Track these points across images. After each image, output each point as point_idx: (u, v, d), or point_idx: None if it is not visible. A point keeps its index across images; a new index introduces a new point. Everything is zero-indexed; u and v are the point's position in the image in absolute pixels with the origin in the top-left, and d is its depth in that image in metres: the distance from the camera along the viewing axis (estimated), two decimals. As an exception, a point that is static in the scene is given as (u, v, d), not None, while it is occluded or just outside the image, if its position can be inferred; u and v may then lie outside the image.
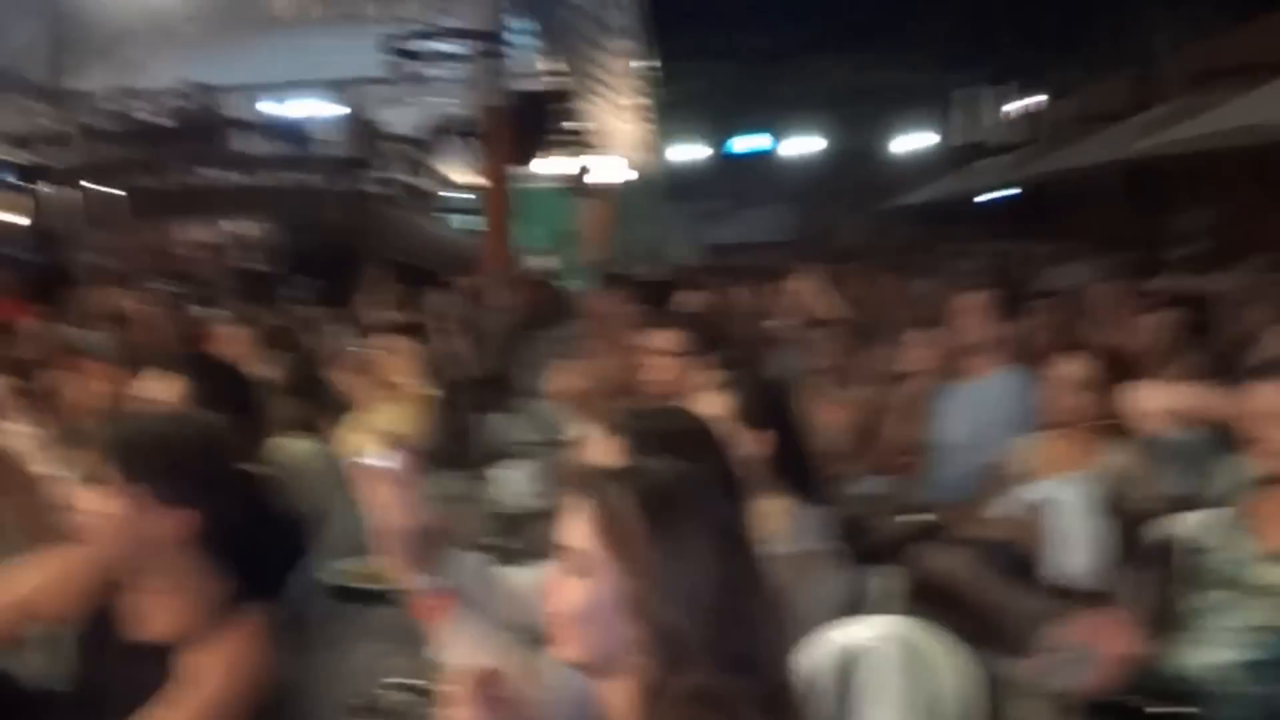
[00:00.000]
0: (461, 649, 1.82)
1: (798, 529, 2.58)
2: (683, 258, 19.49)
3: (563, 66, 13.47)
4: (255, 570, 1.98)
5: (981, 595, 3.37)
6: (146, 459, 1.96)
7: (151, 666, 1.95)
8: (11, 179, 13.29)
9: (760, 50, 24.79)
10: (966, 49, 22.87)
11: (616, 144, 17.90)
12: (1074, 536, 3.16)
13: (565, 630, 1.44)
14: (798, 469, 2.73)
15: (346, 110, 13.27)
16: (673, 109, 25.86)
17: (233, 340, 5.35)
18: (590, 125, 16.08)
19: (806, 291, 6.22)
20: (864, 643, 2.16)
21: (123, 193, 12.55)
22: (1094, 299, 5.95)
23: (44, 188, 12.92)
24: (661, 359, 3.80)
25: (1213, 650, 2.43)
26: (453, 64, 10.92)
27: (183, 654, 1.95)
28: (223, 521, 1.99)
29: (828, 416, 5.11)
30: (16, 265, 11.23)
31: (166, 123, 13.29)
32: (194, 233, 11.61)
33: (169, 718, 1.88)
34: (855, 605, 2.68)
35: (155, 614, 2.02)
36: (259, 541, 2.02)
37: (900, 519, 3.78)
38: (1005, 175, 17.17)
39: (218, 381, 2.77)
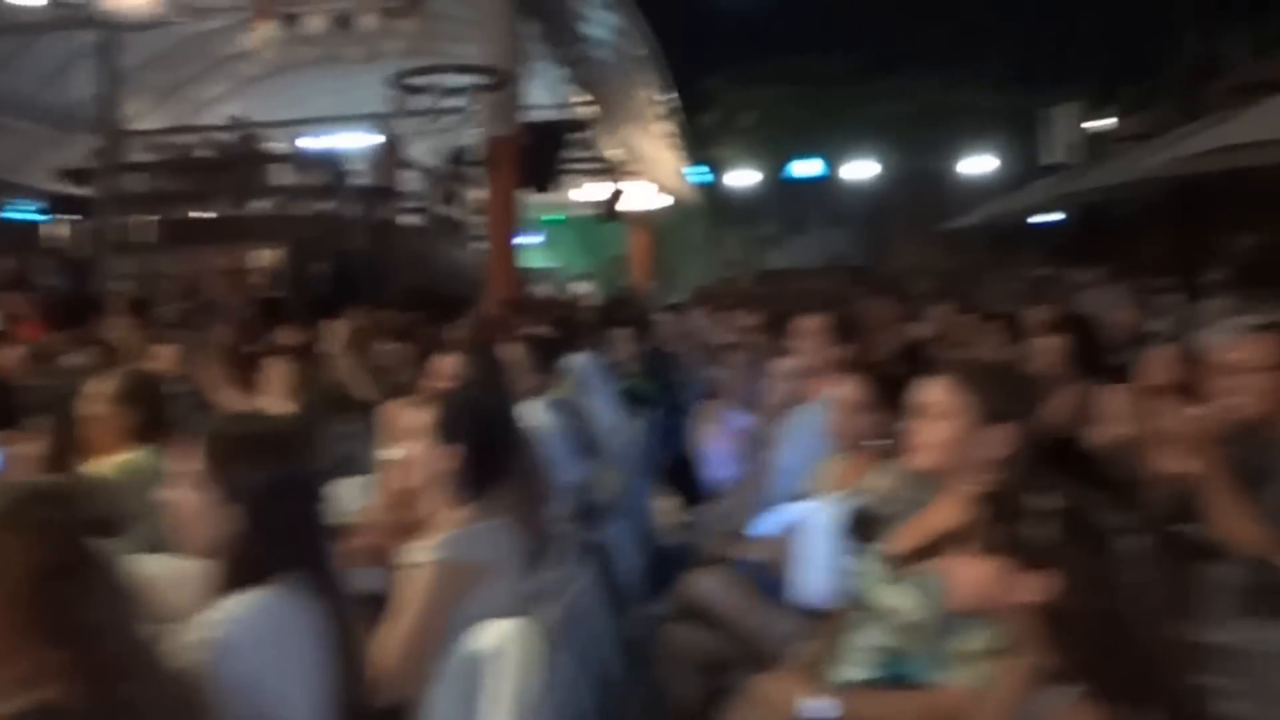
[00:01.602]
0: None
1: (461, 540, 2.60)
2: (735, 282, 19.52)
3: (585, 97, 13.66)
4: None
5: (738, 617, 3.37)
6: None
7: None
8: (53, 209, 14.01)
9: (817, 75, 24.65)
10: (1027, 71, 22.51)
11: (652, 171, 18.06)
12: (819, 558, 3.12)
13: None
14: (487, 479, 2.74)
15: (377, 143, 13.63)
16: (729, 134, 25.91)
17: (163, 358, 5.67)
18: (619, 154, 16.27)
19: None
20: (487, 647, 2.28)
21: (158, 222, 13.11)
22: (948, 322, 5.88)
23: (83, 218, 13.56)
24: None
25: (847, 669, 2.42)
26: (463, 97, 11.12)
27: None
28: None
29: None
30: (47, 292, 11.83)
31: (210, 156, 13.88)
32: (223, 261, 12.05)
33: None
34: (517, 609, 2.64)
35: None
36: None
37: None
38: (1058, 196, 16.80)
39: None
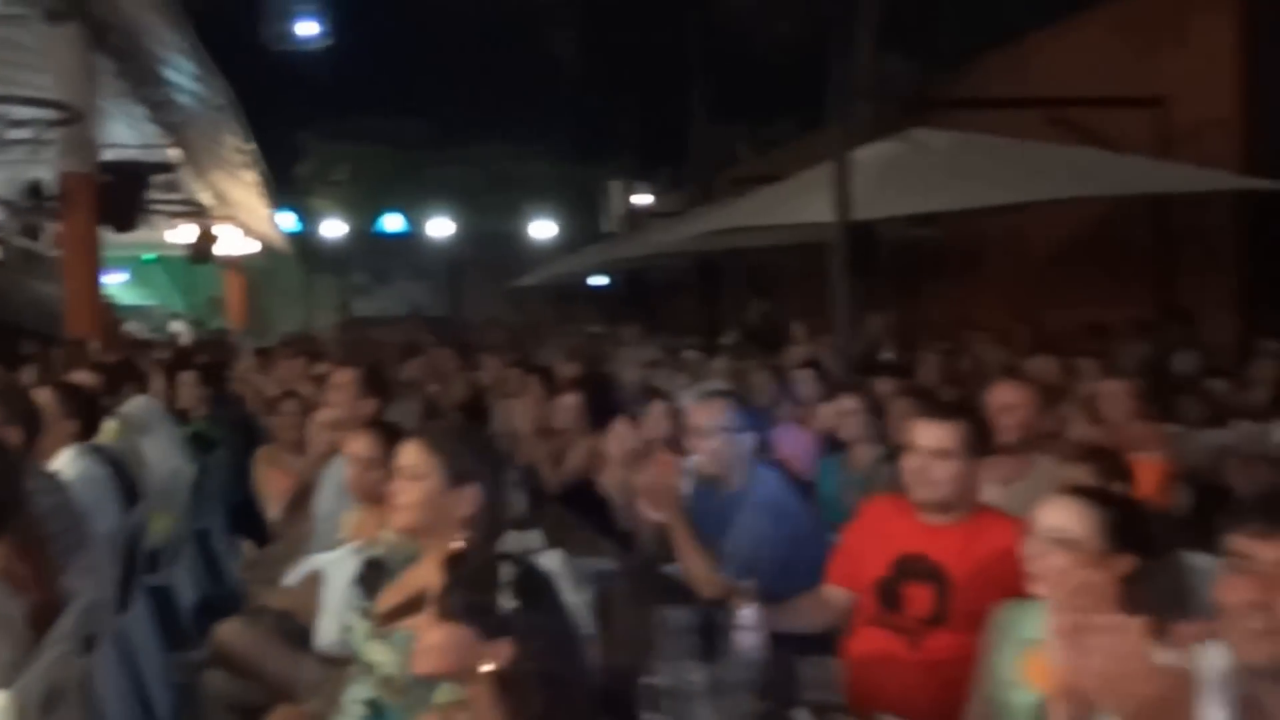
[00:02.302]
0: None
1: None
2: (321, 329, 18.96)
3: (166, 140, 12.76)
4: None
5: (265, 665, 3.23)
6: None
7: None
8: None
9: (400, 136, 24.76)
10: (582, 146, 23.86)
11: (242, 217, 17.19)
12: (333, 608, 3.05)
13: None
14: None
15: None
16: (320, 186, 25.31)
17: None
18: (207, 197, 15.34)
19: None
20: None
21: None
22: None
23: None
24: None
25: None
26: (34, 129, 9.98)
27: None
28: None
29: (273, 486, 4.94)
30: None
31: None
32: None
33: None
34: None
35: None
36: None
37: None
38: (606, 261, 17.79)
39: None
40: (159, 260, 21.30)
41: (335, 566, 3.11)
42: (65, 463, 3.90)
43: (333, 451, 4.19)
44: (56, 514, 3.14)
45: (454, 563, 1.99)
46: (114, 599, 3.73)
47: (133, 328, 16.14)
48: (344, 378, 4.10)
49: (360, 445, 3.32)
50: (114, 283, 17.46)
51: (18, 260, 13.38)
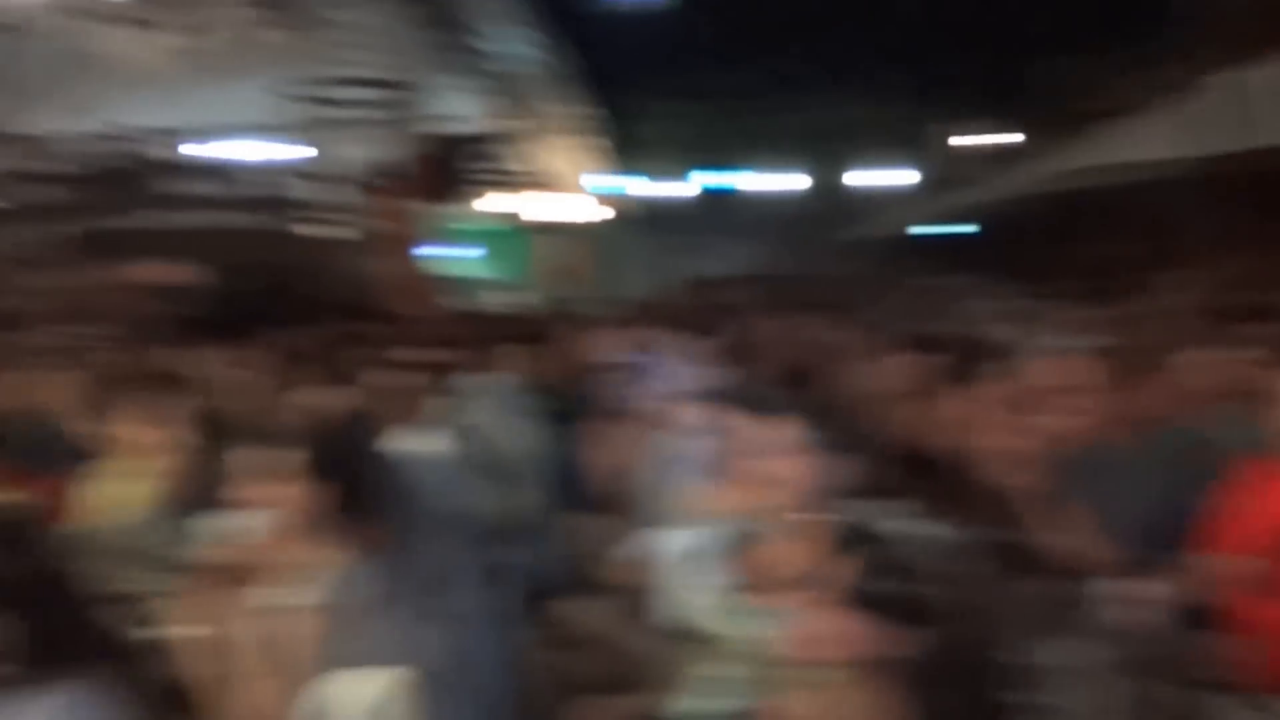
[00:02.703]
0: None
1: (336, 580, 2.60)
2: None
3: (497, 110, 13.70)
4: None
5: (611, 641, 3.45)
6: None
7: None
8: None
9: (731, 87, 25.03)
10: (930, 87, 23.14)
11: (566, 182, 18.13)
12: (684, 584, 3.23)
13: None
14: (364, 515, 2.73)
15: (277, 155, 13.50)
16: (648, 145, 26.14)
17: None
18: (532, 165, 16.32)
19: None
20: (361, 698, 2.32)
21: (42, 235, 12.85)
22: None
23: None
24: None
25: (699, 699, 2.48)
26: (369, 108, 11.15)
27: None
28: None
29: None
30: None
31: (93, 167, 13.60)
32: (116, 275, 11.82)
33: None
34: (395, 654, 2.65)
35: None
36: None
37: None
38: (958, 209, 17.31)
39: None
40: (493, 232, 22.73)
41: (682, 541, 3.30)
42: (414, 439, 4.20)
43: (668, 422, 4.45)
44: (407, 490, 3.38)
45: (844, 543, 2.00)
46: (459, 576, 3.98)
47: (469, 301, 17.46)
48: (703, 345, 4.24)
49: (704, 415, 3.32)
50: (446, 256, 18.82)
51: (344, 238, 14.88)
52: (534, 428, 5.84)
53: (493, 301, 19.77)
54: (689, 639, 3.01)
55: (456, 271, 22.35)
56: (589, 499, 5.51)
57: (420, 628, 2.79)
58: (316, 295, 12.47)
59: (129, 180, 13.51)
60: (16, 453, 3.85)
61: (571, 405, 6.55)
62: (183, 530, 3.83)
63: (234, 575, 2.71)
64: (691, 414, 3.41)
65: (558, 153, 16.55)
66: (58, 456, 4.50)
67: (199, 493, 4.30)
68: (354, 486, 2.74)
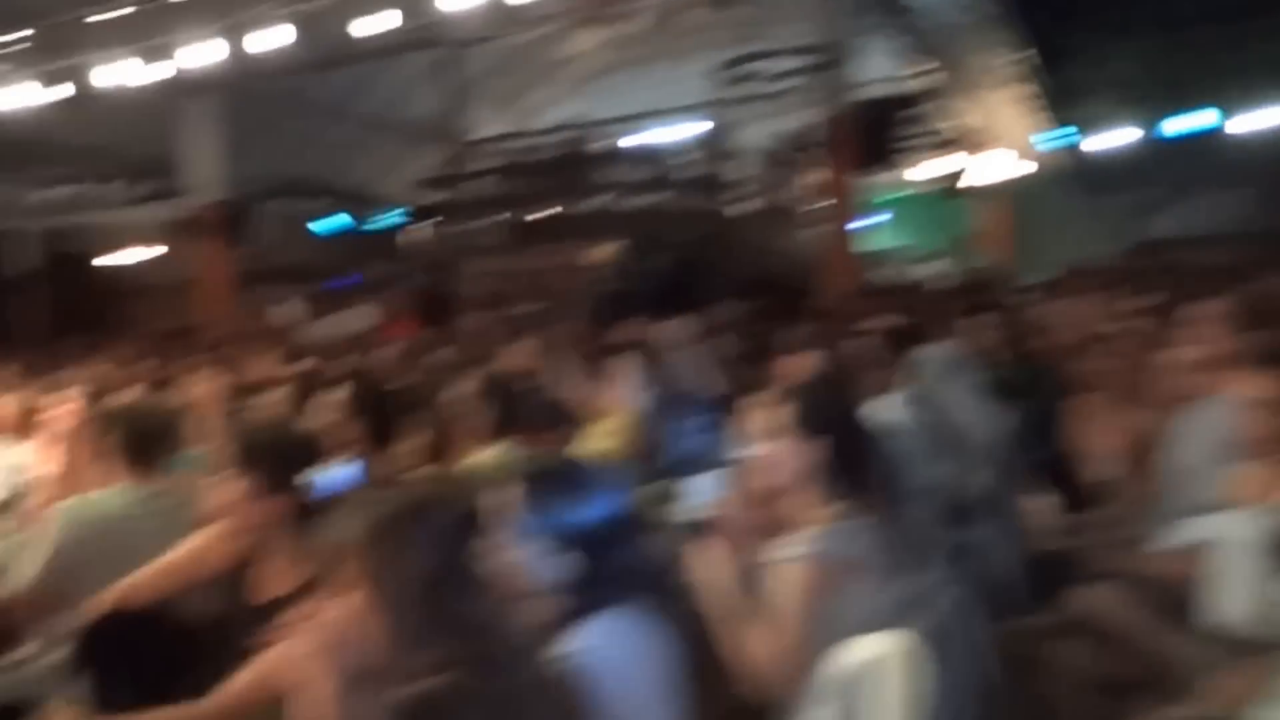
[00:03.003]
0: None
1: (832, 537, 2.55)
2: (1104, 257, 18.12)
3: (923, 67, 13.17)
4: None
5: (1138, 638, 3.07)
6: (255, 455, 2.58)
7: (266, 621, 2.43)
8: (413, 217, 15.20)
9: (1199, 12, 22.08)
10: None
11: (1003, 139, 17.13)
12: (1238, 579, 2.77)
13: None
14: (854, 475, 2.67)
15: (704, 134, 13.76)
16: (1096, 90, 23.81)
17: (518, 354, 6.03)
18: (964, 123, 15.54)
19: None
20: (869, 657, 2.24)
21: (503, 224, 13.93)
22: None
23: (439, 224, 14.59)
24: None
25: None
26: (795, 79, 11.04)
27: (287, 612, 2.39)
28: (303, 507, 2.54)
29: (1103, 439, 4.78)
30: (411, 293, 12.82)
31: (547, 158, 14.59)
32: (565, 258, 12.59)
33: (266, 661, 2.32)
34: (892, 617, 2.57)
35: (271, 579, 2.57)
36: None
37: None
38: None
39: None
40: (906, 199, 22.01)
41: (1231, 530, 2.84)
42: (888, 408, 4.15)
43: (1191, 397, 3.89)
44: (888, 456, 3.29)
45: None
46: (933, 549, 3.86)
47: (885, 272, 17.04)
48: (1211, 310, 3.76)
49: (1258, 387, 2.99)
50: (871, 226, 18.40)
51: (770, 213, 14.96)
52: (987, 402, 5.57)
53: (924, 272, 19.25)
54: (1245, 641, 2.67)
55: (881, 243, 21.96)
56: (1068, 481, 5.11)
57: (914, 594, 2.71)
58: (749, 271, 12.67)
59: (573, 170, 14.34)
60: (523, 415, 4.06)
61: (1025, 379, 6.15)
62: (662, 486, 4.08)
63: (733, 527, 2.78)
64: (1252, 384, 2.91)
65: (989, 108, 15.69)
66: (548, 418, 5.07)
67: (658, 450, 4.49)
68: (844, 446, 2.71)
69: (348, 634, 1.79)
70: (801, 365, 4.13)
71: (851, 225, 11.23)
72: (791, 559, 2.51)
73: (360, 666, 1.79)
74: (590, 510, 2.13)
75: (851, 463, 2.68)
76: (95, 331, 16.70)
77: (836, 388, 3.14)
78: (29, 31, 10.17)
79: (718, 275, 12.10)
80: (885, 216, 21.95)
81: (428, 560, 1.75)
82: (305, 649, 1.92)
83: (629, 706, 1.96)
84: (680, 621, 2.15)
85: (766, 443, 2.84)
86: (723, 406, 5.62)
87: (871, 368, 4.53)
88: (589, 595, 2.06)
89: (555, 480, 2.21)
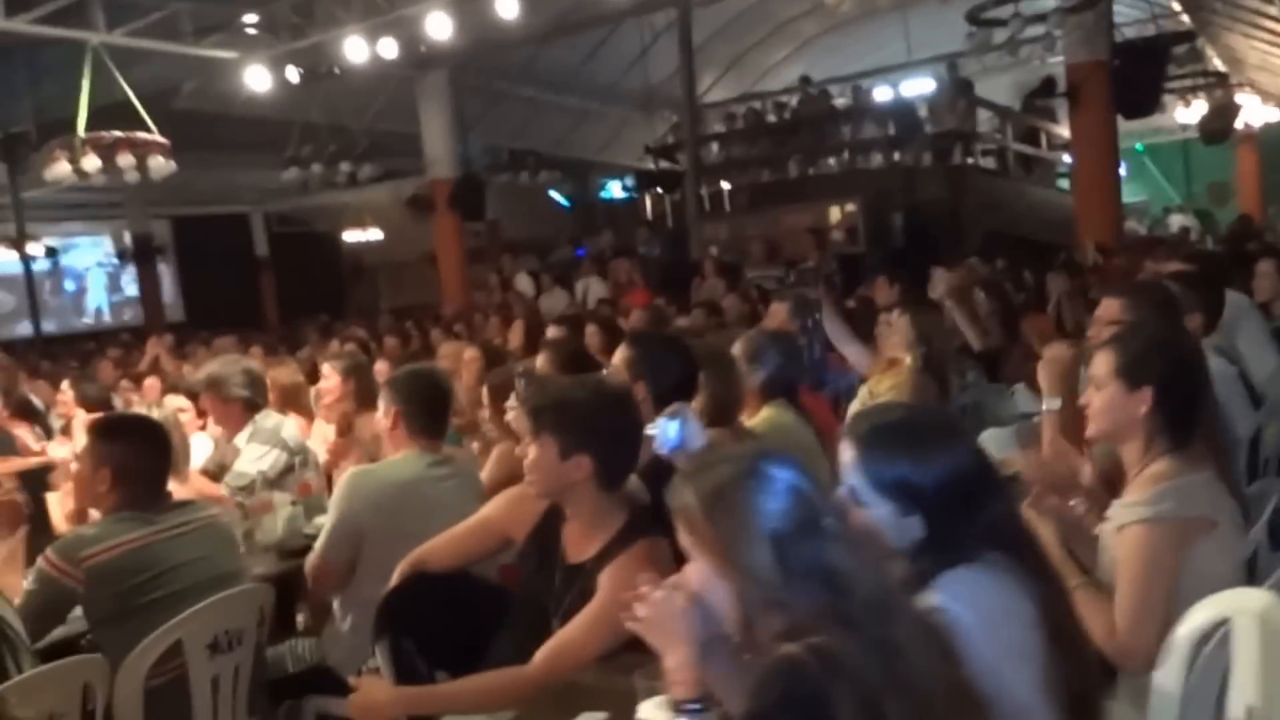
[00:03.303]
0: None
1: (1177, 493, 2.40)
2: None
3: (1179, 4, 12.37)
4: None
5: None
6: (553, 417, 2.57)
7: (577, 582, 2.55)
8: (643, 185, 15.33)
9: None
10: None
11: (1261, 80, 15.92)
12: None
13: None
14: (1180, 429, 2.51)
15: (948, 86, 13.33)
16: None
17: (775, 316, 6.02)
18: (1227, 64, 14.53)
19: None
20: (1227, 614, 2.09)
21: (739, 187, 13.89)
22: None
23: (671, 191, 14.68)
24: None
25: None
26: (1045, 24, 10.50)
27: (596, 572, 2.50)
28: (613, 466, 2.57)
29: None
30: (647, 260, 12.96)
31: (781, 119, 14.45)
32: (802, 220, 12.44)
33: (581, 623, 2.45)
34: (1244, 575, 2.46)
35: (578, 539, 2.61)
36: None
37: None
38: None
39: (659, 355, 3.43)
40: (1150, 148, 20.83)
41: None
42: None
43: None
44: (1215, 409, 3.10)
45: None
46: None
47: (1128, 225, 16.13)
48: None
49: None
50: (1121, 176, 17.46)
51: (1017, 166, 14.37)
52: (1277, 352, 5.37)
53: (1175, 223, 18.14)
54: None
55: (1130, 194, 20.73)
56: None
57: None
58: (998, 226, 12.24)
59: (810, 129, 14.17)
60: (791, 376, 4.08)
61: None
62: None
63: (1044, 485, 2.64)
64: None
65: (1256, 44, 14.60)
66: (815, 378, 5.26)
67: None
68: (1175, 394, 2.52)
69: (700, 599, 1.76)
70: (1117, 312, 3.88)
71: (1109, 176, 10.67)
72: (1137, 521, 2.38)
73: (715, 633, 1.77)
74: (939, 462, 2.00)
75: (1183, 413, 2.51)
76: (338, 308, 17.68)
77: (1165, 331, 2.92)
78: (255, 18, 10.43)
79: (960, 232, 11.73)
80: (1124, 168, 20.79)
81: (778, 521, 1.71)
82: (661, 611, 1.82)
83: (987, 665, 1.87)
84: (1036, 579, 2.00)
85: (1088, 394, 2.66)
86: (987, 361, 5.52)
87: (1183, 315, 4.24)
88: (945, 552, 1.96)
89: (896, 433, 2.06)
